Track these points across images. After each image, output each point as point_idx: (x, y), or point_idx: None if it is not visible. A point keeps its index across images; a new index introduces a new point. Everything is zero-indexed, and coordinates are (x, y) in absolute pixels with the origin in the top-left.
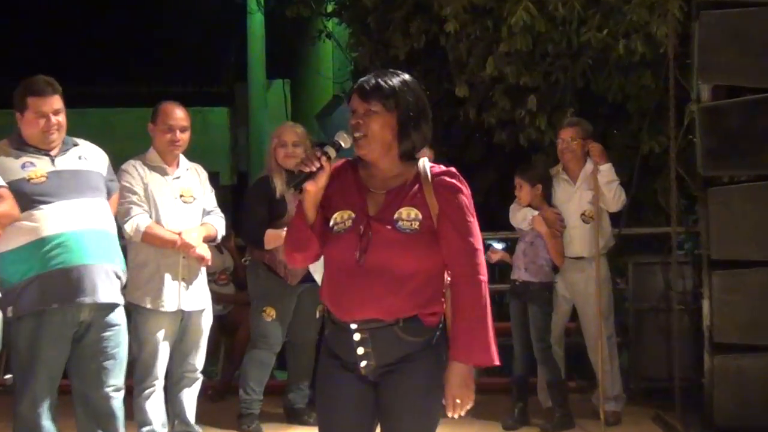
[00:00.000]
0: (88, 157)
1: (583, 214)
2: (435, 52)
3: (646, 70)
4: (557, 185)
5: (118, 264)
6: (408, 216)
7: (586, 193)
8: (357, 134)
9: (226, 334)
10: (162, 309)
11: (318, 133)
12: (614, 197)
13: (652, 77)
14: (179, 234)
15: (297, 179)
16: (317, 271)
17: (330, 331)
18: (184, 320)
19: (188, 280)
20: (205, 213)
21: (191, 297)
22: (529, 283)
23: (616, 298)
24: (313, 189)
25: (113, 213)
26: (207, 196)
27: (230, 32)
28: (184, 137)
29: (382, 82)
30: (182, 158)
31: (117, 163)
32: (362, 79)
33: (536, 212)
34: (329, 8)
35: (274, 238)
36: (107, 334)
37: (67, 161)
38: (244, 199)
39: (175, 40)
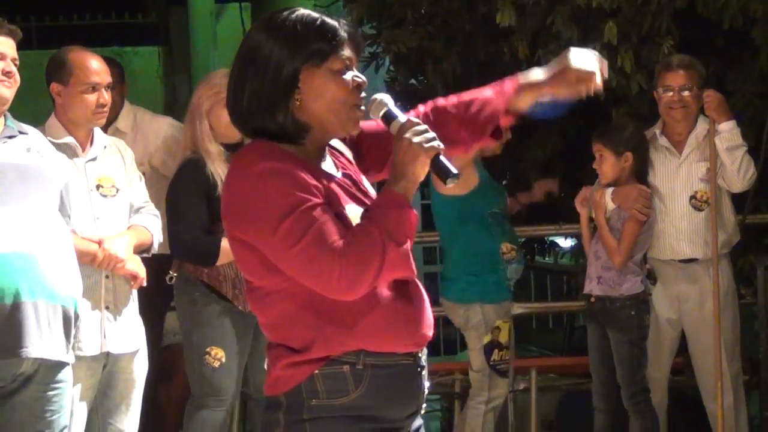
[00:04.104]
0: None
1: (693, 197)
2: None
3: None
4: (654, 156)
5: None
6: None
7: (697, 167)
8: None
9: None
10: (78, 353)
11: None
12: (740, 171)
13: None
14: (99, 243)
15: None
16: None
17: (375, 378)
18: (108, 366)
19: (115, 309)
20: (133, 210)
21: (120, 334)
22: (607, 299)
23: (743, 317)
24: None
25: None
26: (135, 185)
27: None
28: (110, 101)
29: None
30: (97, 131)
31: None
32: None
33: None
34: None
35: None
36: (51, 393)
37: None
38: (172, 192)
39: None
